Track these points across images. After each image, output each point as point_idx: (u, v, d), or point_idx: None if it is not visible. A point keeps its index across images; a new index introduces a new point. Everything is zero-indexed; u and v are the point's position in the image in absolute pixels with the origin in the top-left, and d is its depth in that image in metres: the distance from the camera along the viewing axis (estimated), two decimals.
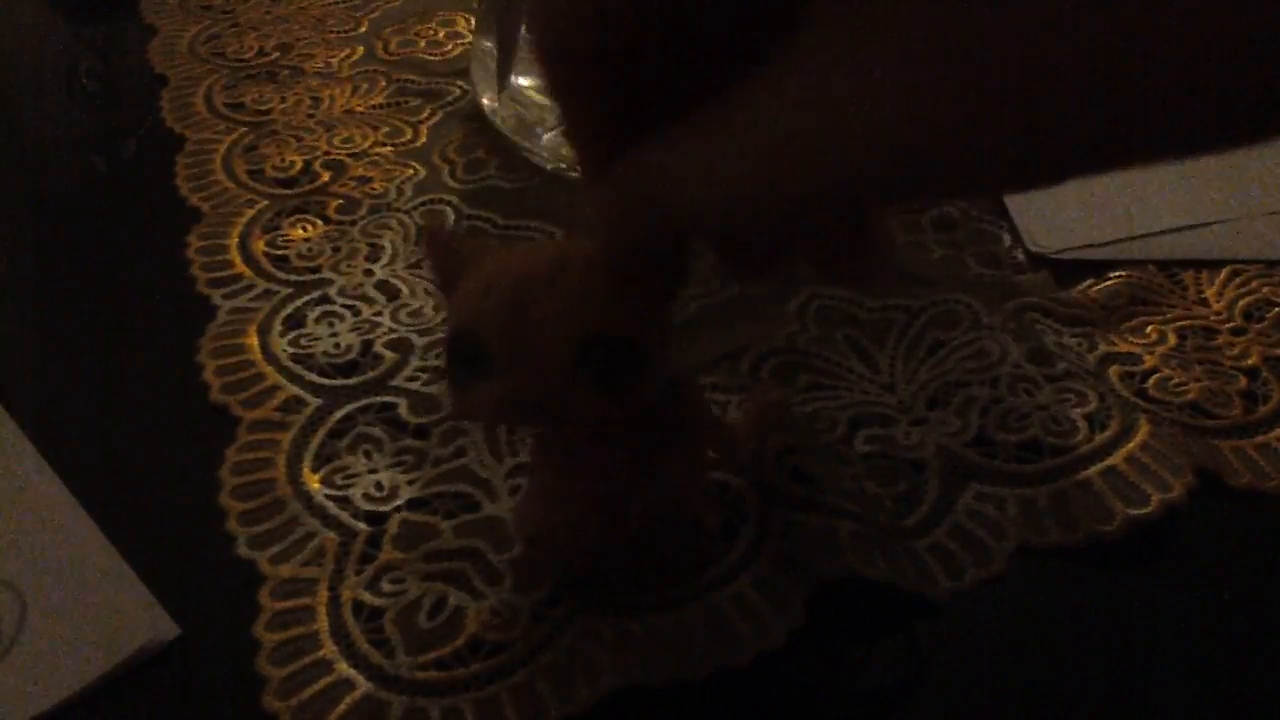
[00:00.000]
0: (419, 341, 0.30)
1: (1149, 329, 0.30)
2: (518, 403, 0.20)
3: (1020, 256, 0.33)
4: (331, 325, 0.31)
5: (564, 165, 0.36)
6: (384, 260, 0.33)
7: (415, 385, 0.29)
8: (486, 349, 0.20)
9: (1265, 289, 0.32)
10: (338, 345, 0.30)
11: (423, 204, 0.35)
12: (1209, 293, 0.32)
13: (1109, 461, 0.26)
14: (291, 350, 0.30)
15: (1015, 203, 0.35)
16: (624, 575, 0.24)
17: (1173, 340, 0.30)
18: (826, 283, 0.30)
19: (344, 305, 0.31)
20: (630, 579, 0.24)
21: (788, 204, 0.17)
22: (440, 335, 0.30)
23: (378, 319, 0.31)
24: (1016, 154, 0.15)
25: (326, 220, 0.35)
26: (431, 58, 0.43)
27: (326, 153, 0.38)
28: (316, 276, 0.32)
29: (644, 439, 0.22)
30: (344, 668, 0.22)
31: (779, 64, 0.16)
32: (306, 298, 0.32)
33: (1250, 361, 0.29)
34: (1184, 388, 0.29)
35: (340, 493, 0.26)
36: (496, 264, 0.21)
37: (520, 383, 0.20)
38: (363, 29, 0.45)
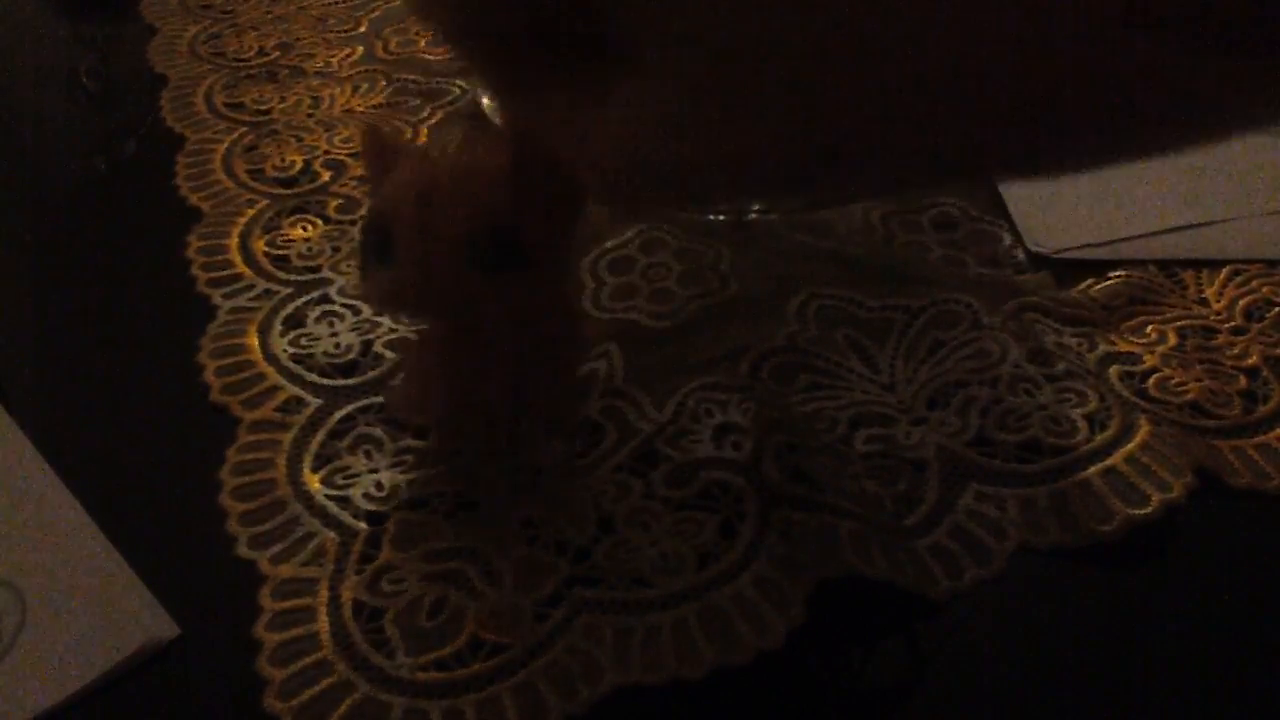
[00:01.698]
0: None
1: (1149, 329, 0.30)
2: (410, 291, 0.22)
3: (1020, 256, 0.33)
4: (332, 325, 0.31)
5: None
6: None
7: None
8: (391, 238, 0.22)
9: (1265, 289, 0.32)
10: (338, 345, 0.30)
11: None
12: (1209, 293, 0.32)
13: (1109, 461, 0.26)
14: (292, 350, 0.30)
15: (1015, 203, 0.35)
16: (497, 453, 0.26)
17: (1173, 340, 0.30)
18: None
19: (344, 305, 0.31)
20: (499, 457, 0.26)
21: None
22: None
23: (378, 319, 0.31)
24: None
25: (326, 220, 0.35)
26: (431, 58, 0.43)
27: (326, 152, 0.38)
28: (316, 276, 0.32)
29: (530, 339, 0.25)
30: (344, 669, 0.22)
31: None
32: (306, 298, 0.32)
33: (1250, 361, 0.29)
34: (1184, 388, 0.29)
35: (340, 493, 0.26)
36: (420, 162, 0.22)
37: (413, 273, 0.22)
38: (363, 29, 0.45)
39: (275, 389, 0.29)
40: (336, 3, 0.47)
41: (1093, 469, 0.26)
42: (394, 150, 0.23)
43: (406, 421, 0.27)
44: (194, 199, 0.36)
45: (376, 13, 0.47)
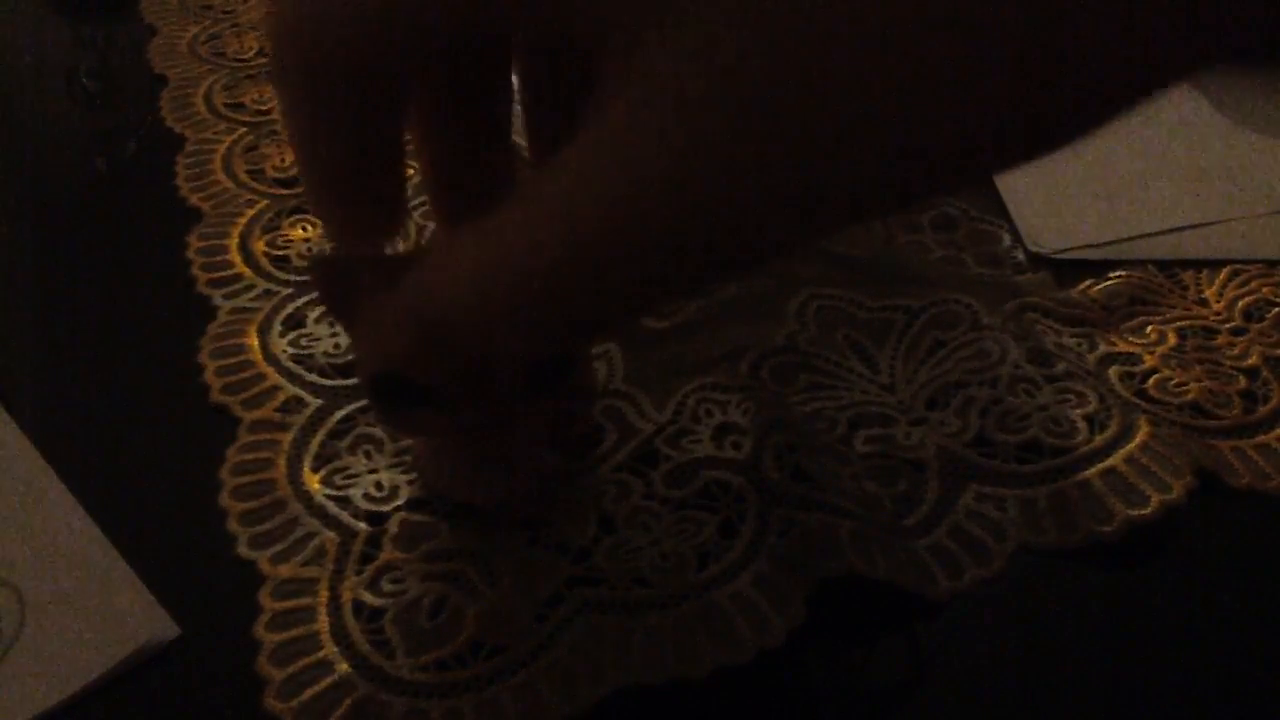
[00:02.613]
0: None
1: (1149, 329, 0.30)
2: (469, 426, 0.21)
3: (1020, 256, 0.33)
4: (332, 325, 0.31)
5: None
6: None
7: None
8: (421, 388, 0.20)
9: (1265, 289, 0.32)
10: (338, 345, 0.30)
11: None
12: (1209, 293, 0.32)
13: (1109, 462, 0.26)
14: (292, 350, 0.30)
15: (1015, 203, 0.35)
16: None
17: (1173, 340, 0.30)
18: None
19: None
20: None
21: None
22: None
23: None
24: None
25: None
26: None
27: None
28: None
29: (558, 409, 0.25)
30: (344, 669, 0.22)
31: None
32: (307, 298, 0.32)
33: (1250, 361, 0.29)
34: (1184, 388, 0.29)
35: (340, 493, 0.26)
36: (394, 291, 0.19)
37: (472, 412, 0.20)
38: None
39: (275, 389, 0.29)
40: None
41: (1092, 469, 0.26)
42: (351, 276, 0.21)
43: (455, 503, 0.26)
44: (194, 199, 0.36)
45: None
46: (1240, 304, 0.31)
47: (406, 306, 0.18)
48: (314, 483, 0.26)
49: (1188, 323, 0.31)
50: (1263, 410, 0.28)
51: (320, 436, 0.27)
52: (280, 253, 0.33)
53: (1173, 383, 0.29)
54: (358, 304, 0.20)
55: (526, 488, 0.25)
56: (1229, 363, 0.29)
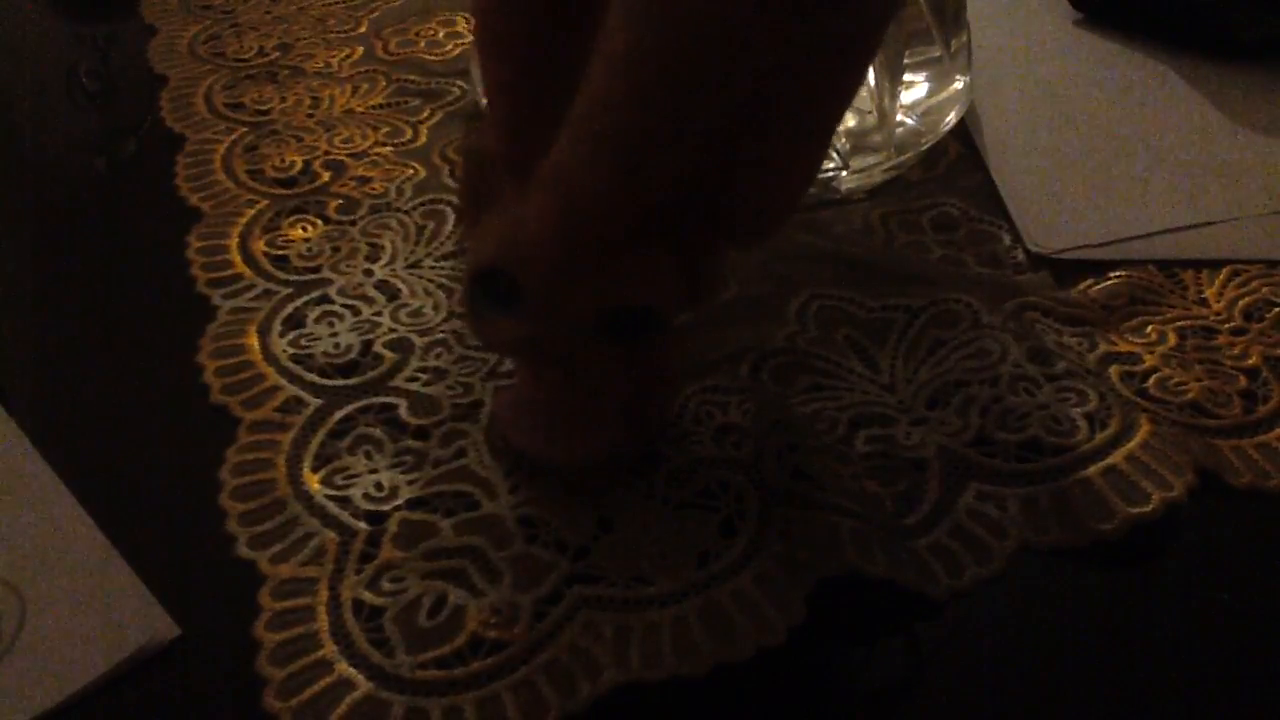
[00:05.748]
0: (419, 342, 0.30)
1: (1149, 329, 0.30)
2: (539, 347, 0.22)
3: (1020, 256, 0.33)
4: (331, 325, 0.31)
5: None
6: (384, 260, 0.33)
7: (415, 386, 0.29)
8: (518, 291, 0.21)
9: (1265, 289, 0.32)
10: (338, 345, 0.30)
11: (423, 204, 0.35)
12: (1209, 293, 0.32)
13: (1109, 461, 0.26)
14: (291, 350, 0.30)
15: (1015, 203, 0.35)
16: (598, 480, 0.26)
17: (1173, 340, 0.30)
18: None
19: (344, 305, 0.31)
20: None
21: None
22: (441, 336, 0.30)
23: (378, 319, 0.31)
24: None
25: (326, 220, 0.35)
26: (431, 58, 0.43)
27: (326, 153, 0.38)
28: (316, 276, 0.32)
29: (645, 374, 0.25)
30: (344, 668, 0.22)
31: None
32: (306, 298, 0.32)
33: (1250, 361, 0.29)
34: (1184, 387, 0.29)
35: (340, 493, 0.26)
36: (521, 198, 0.21)
37: (545, 334, 0.22)
38: (363, 29, 0.45)
39: (275, 389, 0.29)
40: (336, 3, 0.47)
41: (1093, 468, 0.26)
42: (494, 180, 0.22)
43: (524, 456, 0.26)
44: (194, 199, 0.36)
45: (376, 13, 0.47)
46: (1240, 304, 0.31)
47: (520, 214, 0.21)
48: (314, 483, 0.26)
49: (1188, 322, 0.31)
50: (1263, 410, 0.28)
51: (320, 436, 0.27)
52: (280, 253, 0.33)
53: (1173, 382, 0.29)
54: (488, 200, 0.22)
55: (601, 457, 0.25)
56: (1229, 362, 0.29)
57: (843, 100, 0.22)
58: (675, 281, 0.22)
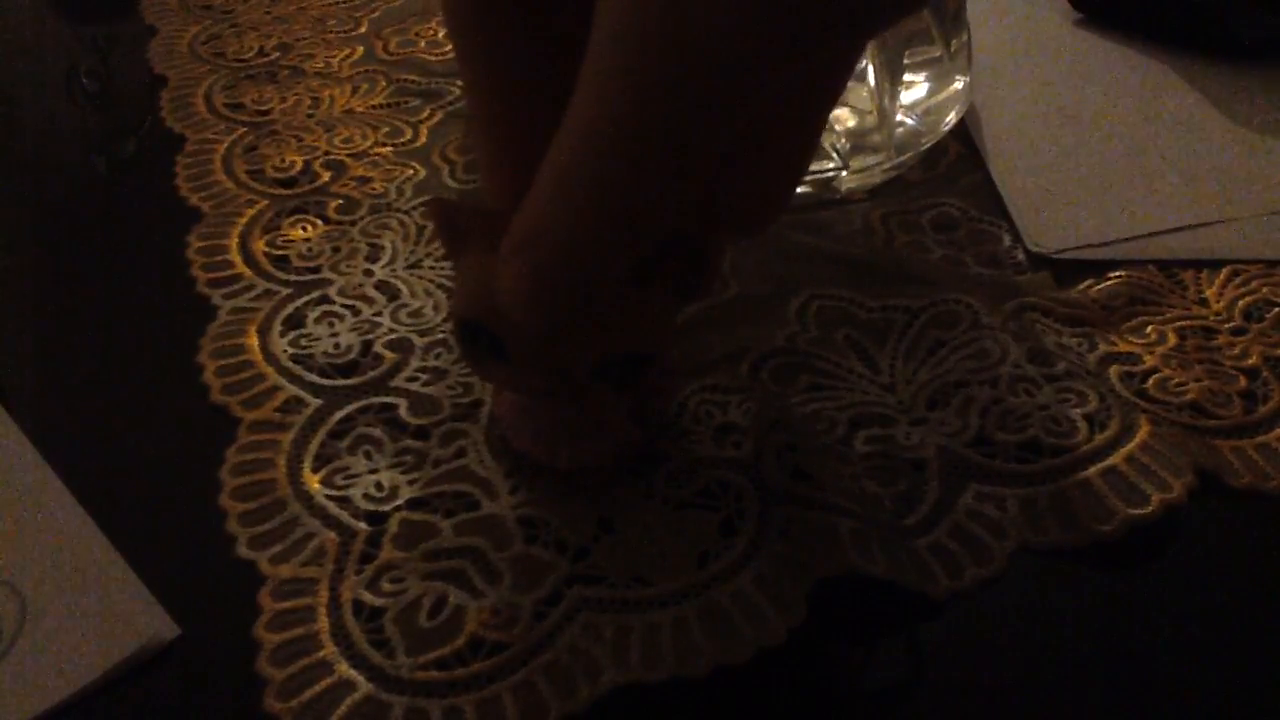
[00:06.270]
0: (419, 342, 0.30)
1: (1149, 329, 0.30)
2: (536, 388, 0.22)
3: (1020, 256, 0.33)
4: (331, 325, 0.31)
5: None
6: (384, 260, 0.33)
7: (415, 386, 0.29)
8: (499, 341, 0.21)
9: (1265, 289, 0.32)
10: (338, 345, 0.30)
11: (423, 204, 0.35)
12: (1209, 293, 0.32)
13: (1109, 461, 0.26)
14: (291, 350, 0.30)
15: (1015, 203, 0.35)
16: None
17: (1173, 340, 0.30)
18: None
19: (344, 305, 0.31)
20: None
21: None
22: (441, 336, 0.30)
23: (378, 319, 0.31)
24: None
25: (326, 220, 0.35)
26: (431, 58, 0.43)
27: (326, 153, 0.38)
28: (316, 276, 0.32)
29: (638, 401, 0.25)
30: (345, 668, 0.22)
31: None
32: (306, 298, 0.32)
33: (1250, 361, 0.29)
34: (1184, 388, 0.29)
35: (340, 493, 0.26)
36: (492, 248, 0.21)
37: (537, 377, 0.22)
38: (363, 29, 0.45)
39: (275, 389, 0.29)
40: (336, 3, 0.47)
41: (1093, 469, 0.26)
42: (465, 223, 0.22)
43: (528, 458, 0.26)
44: (194, 199, 0.36)
45: (376, 13, 0.47)
46: (1240, 304, 0.31)
47: (493, 264, 0.20)
48: (314, 483, 0.26)
49: (1188, 323, 0.31)
50: (1263, 410, 0.28)
51: (320, 436, 0.27)
52: (280, 253, 0.33)
53: (1173, 382, 0.29)
54: (464, 250, 0.22)
55: (604, 458, 0.25)
56: (1229, 363, 0.29)
57: (833, 96, 0.21)
58: (667, 323, 0.22)
